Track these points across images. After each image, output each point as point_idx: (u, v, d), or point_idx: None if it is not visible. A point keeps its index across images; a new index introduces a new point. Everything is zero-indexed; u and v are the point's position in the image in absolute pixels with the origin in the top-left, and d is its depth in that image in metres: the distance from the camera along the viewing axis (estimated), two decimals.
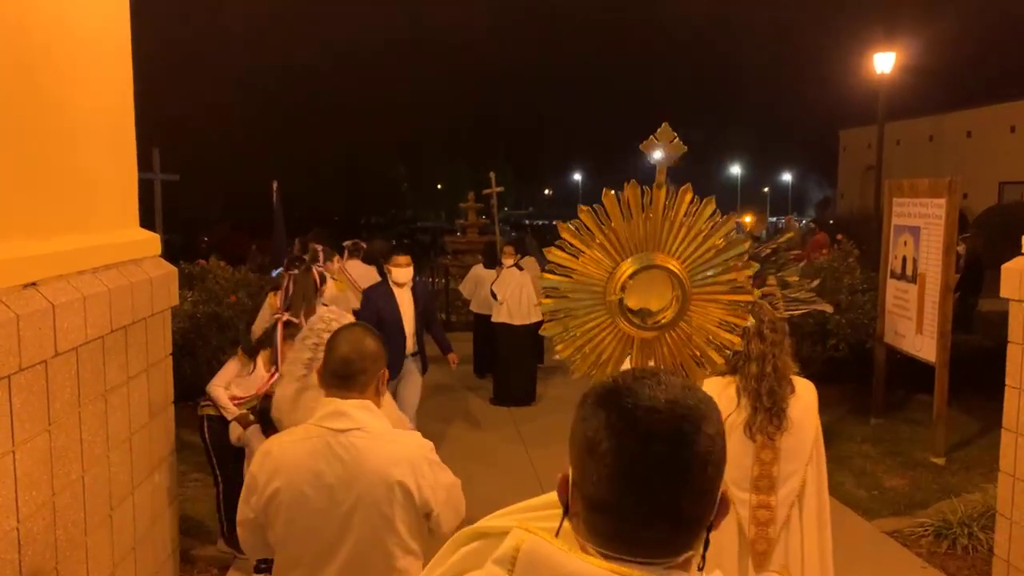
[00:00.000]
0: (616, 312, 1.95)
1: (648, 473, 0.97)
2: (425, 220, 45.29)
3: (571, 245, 1.97)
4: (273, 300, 7.62)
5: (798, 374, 3.00)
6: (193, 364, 7.21)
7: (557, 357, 2.10)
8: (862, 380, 8.24)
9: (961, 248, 7.53)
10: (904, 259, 6.78)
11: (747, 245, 2.03)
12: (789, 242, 6.15)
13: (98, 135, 3.00)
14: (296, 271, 7.78)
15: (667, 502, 0.98)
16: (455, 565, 1.19)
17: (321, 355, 2.50)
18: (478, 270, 9.47)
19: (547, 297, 2.04)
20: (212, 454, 4.73)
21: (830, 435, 7.06)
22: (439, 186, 54.34)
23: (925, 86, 34.64)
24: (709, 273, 1.99)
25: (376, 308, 5.98)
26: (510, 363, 8.10)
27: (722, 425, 1.05)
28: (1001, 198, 26.33)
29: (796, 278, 5.66)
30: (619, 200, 1.96)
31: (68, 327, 2.53)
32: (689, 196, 1.97)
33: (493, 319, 8.28)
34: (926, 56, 29.01)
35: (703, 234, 1.97)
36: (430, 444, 2.28)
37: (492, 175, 12.14)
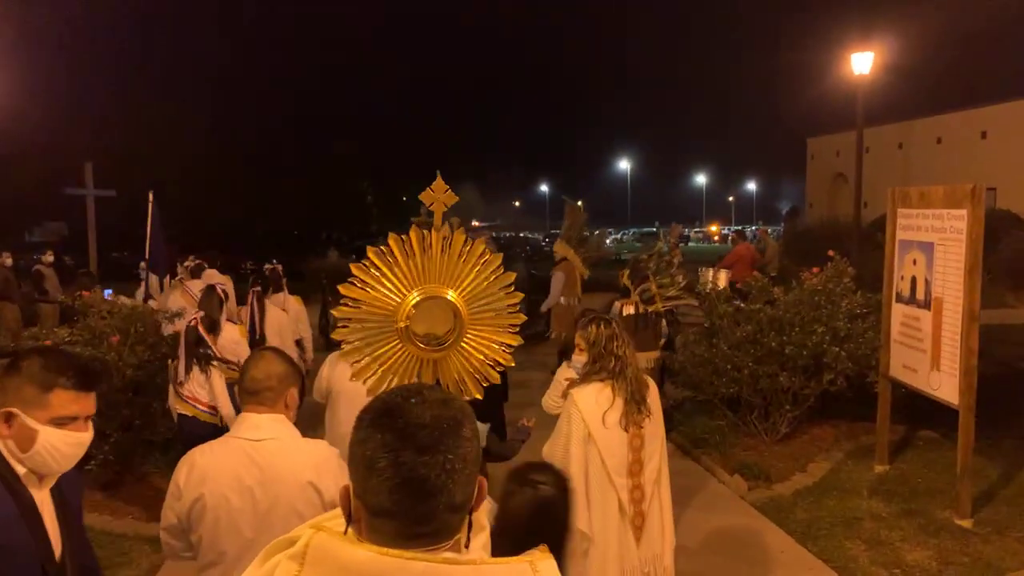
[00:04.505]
0: (404, 337, 2.17)
1: (423, 482, 1.14)
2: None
3: (362, 281, 2.16)
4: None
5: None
6: None
7: (352, 378, 2.29)
8: (856, 416, 7.23)
9: None
10: (914, 280, 5.76)
11: (512, 277, 2.31)
12: (661, 251, 7.90)
13: None
14: (258, 289, 6.82)
15: (440, 502, 1.16)
16: (267, 570, 1.26)
17: None
18: None
19: (342, 326, 2.24)
20: None
21: (832, 487, 6.03)
22: (404, 198, 53.06)
23: (894, 92, 34.22)
24: (483, 301, 2.23)
25: None
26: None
27: (475, 424, 1.23)
28: None
29: (668, 280, 7.36)
30: (403, 241, 2.16)
31: None
32: (462, 238, 2.19)
33: None
34: (896, 61, 28.48)
35: (476, 268, 2.21)
36: (336, 450, 2.50)
37: (452, 221, 11.24)
